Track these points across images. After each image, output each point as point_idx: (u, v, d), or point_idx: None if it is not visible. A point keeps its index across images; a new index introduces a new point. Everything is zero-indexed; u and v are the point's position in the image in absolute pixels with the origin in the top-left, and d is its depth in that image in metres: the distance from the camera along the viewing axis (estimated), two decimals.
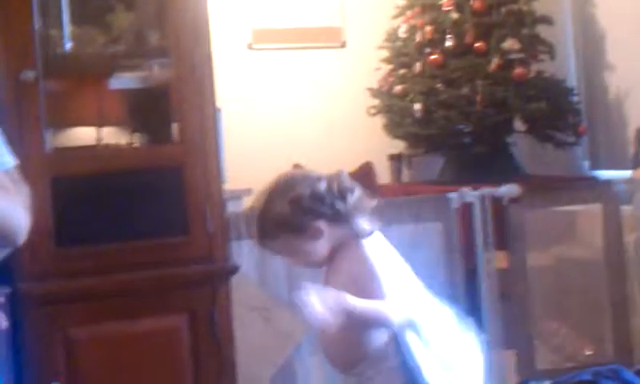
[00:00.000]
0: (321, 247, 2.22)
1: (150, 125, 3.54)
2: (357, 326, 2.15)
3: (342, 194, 2.22)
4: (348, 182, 2.26)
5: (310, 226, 2.20)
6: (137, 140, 3.51)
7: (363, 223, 2.23)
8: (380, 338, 2.19)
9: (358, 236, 2.22)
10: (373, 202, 2.26)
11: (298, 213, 2.19)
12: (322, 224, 2.20)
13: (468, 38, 5.06)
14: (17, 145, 1.96)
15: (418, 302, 2.24)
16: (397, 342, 2.19)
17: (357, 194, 2.24)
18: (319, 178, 2.24)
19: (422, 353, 2.19)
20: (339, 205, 2.21)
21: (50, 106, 3.22)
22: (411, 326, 2.20)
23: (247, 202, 3.89)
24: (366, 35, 5.54)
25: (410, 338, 2.19)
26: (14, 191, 1.72)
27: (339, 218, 2.21)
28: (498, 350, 3.70)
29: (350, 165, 4.53)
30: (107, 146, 3.51)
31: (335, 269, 2.24)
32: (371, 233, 2.24)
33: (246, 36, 5.45)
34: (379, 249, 2.24)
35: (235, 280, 3.35)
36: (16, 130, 2.99)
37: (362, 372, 2.20)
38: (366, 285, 2.18)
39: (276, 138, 5.33)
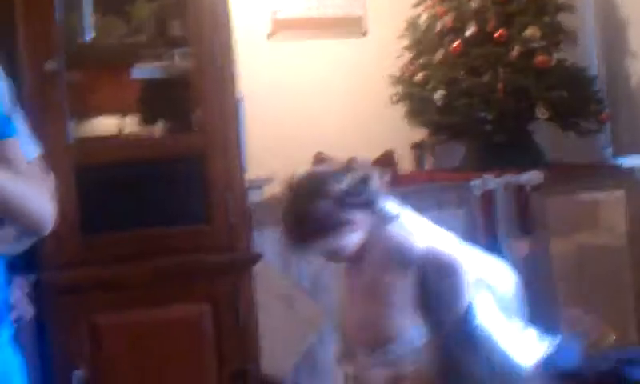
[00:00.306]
0: (357, 239, 2.25)
1: (171, 114, 3.55)
2: None
3: (365, 181, 2.25)
4: (367, 166, 2.29)
5: (350, 219, 2.22)
6: (158, 129, 3.53)
7: (388, 206, 2.26)
8: (409, 318, 2.21)
9: (386, 221, 2.25)
10: (386, 178, 2.29)
11: (339, 209, 2.21)
12: (358, 215, 2.23)
13: (489, 26, 5.03)
14: (40, 135, 1.97)
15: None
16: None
17: (375, 176, 2.27)
18: (341, 170, 2.26)
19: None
20: (367, 192, 2.24)
21: (73, 96, 3.24)
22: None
23: (268, 191, 3.89)
24: (387, 24, 5.52)
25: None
26: (39, 180, 1.73)
27: (368, 204, 2.24)
28: None
29: (372, 153, 4.52)
30: (129, 136, 3.54)
31: (367, 262, 2.26)
32: (397, 216, 2.26)
33: (266, 25, 5.45)
34: (412, 225, 2.27)
35: (258, 268, 3.36)
36: (39, 120, 3.00)
37: (390, 351, 2.20)
38: (400, 270, 2.20)
39: (297, 126, 5.31)
